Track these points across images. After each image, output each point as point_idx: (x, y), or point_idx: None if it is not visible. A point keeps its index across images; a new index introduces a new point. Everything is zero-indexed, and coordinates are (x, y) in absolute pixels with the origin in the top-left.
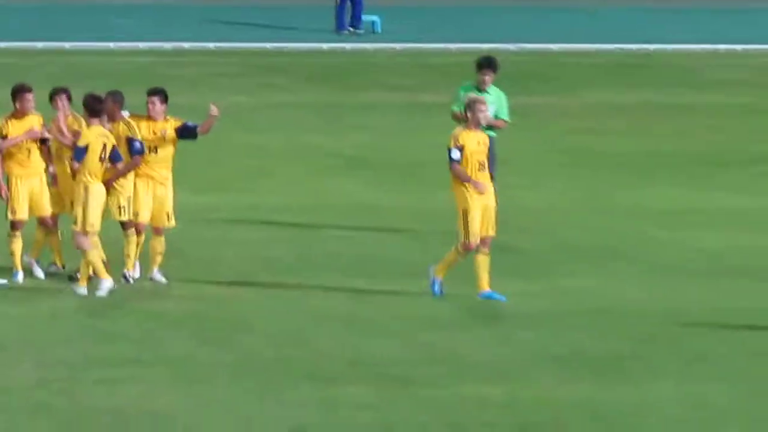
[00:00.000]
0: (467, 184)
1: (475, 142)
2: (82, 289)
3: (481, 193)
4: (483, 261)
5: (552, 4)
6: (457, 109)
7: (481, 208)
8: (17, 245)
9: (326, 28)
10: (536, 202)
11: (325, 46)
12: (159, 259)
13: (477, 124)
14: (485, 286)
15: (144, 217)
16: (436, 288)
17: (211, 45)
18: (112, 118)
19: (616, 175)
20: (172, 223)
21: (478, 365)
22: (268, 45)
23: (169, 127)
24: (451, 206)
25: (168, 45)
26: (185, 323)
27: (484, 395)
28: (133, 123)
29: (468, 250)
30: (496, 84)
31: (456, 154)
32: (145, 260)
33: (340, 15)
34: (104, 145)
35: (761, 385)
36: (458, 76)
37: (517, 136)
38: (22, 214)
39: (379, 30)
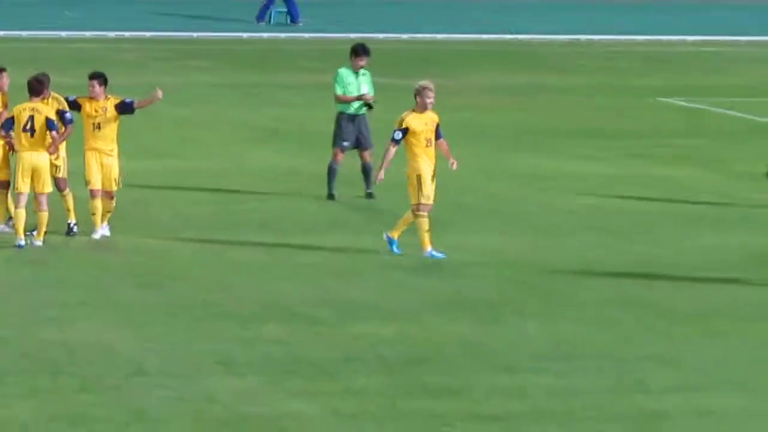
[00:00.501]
0: (420, 154)
1: (422, 123)
2: (38, 242)
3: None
4: (423, 222)
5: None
6: (340, 91)
7: (430, 173)
8: None
9: (244, 19)
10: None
11: (244, 35)
12: (108, 216)
13: (424, 108)
14: (427, 245)
15: (95, 184)
16: (395, 248)
17: (147, 34)
18: (42, 96)
19: (494, 145)
20: (118, 186)
21: (374, 307)
22: (195, 34)
23: (109, 105)
24: (349, 170)
25: (111, 34)
26: (125, 271)
27: (378, 333)
28: (61, 98)
29: (424, 211)
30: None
31: (398, 135)
32: (86, 216)
33: (263, 9)
34: (31, 117)
35: (611, 325)
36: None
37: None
38: None
39: (288, 21)
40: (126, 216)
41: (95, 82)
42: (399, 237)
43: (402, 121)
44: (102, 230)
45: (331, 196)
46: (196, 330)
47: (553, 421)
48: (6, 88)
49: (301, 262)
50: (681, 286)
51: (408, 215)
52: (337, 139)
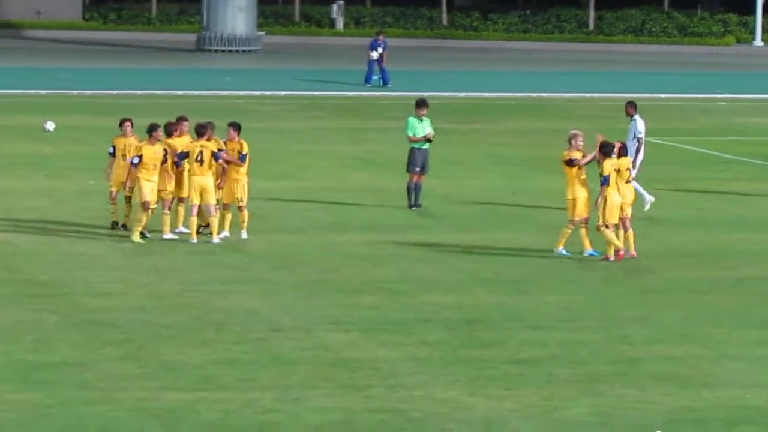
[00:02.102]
0: (577, 181)
1: (580, 156)
2: (216, 239)
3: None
4: (583, 231)
5: (484, 67)
6: (410, 133)
7: (584, 197)
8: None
9: (350, 82)
10: (477, 186)
11: (350, 93)
12: (244, 225)
13: (577, 148)
14: (588, 246)
15: (226, 200)
16: (564, 253)
17: (281, 93)
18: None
19: (520, 171)
20: (244, 203)
21: (439, 283)
22: (315, 92)
23: (241, 146)
24: (428, 189)
25: (256, 92)
26: (265, 258)
27: (442, 301)
28: (219, 141)
29: (575, 225)
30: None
31: (571, 163)
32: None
33: (368, 73)
34: (200, 152)
35: (604, 296)
36: (428, 111)
37: (464, 148)
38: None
39: (380, 84)
40: (265, 220)
41: (231, 128)
42: (564, 245)
43: (569, 153)
44: (242, 233)
45: (409, 207)
46: (315, 299)
47: (565, 364)
48: (186, 131)
49: (391, 252)
50: (650, 269)
51: (564, 229)
52: (411, 166)
